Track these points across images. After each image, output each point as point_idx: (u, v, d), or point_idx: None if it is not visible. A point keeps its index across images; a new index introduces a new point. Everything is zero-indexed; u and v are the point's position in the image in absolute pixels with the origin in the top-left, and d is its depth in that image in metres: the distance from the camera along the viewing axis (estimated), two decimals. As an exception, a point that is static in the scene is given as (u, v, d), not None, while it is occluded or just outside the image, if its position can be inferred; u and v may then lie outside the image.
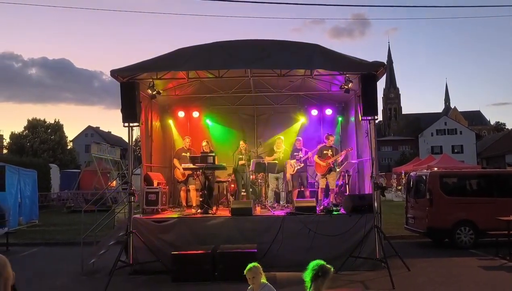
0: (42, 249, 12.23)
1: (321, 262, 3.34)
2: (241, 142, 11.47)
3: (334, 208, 9.51)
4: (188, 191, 10.82)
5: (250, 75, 10.34)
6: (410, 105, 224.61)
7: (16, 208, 15.72)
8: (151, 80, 9.58)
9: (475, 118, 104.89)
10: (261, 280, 4.00)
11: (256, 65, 8.76)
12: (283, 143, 11.32)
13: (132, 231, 8.39)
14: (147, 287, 7.64)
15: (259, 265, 4.08)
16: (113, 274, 7.59)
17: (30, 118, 51.61)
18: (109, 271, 7.74)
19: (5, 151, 49.69)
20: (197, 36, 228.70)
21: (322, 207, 9.89)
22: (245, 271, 4.03)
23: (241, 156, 11.23)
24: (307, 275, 3.32)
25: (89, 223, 9.96)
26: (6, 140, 52.17)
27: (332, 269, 3.33)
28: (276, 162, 10.58)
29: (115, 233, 9.30)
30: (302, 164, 10.90)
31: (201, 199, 10.05)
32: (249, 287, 4.05)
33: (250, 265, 4.05)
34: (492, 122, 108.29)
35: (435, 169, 22.81)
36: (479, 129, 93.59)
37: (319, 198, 10.58)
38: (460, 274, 8.04)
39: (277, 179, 10.87)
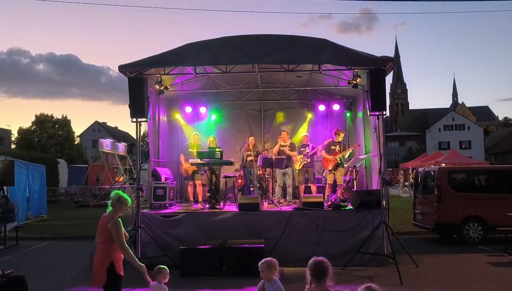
0: (51, 243, 12.35)
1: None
2: (251, 138, 11.49)
3: (342, 204, 9.48)
4: (195, 186, 10.86)
5: (258, 70, 10.32)
6: (417, 101, 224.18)
7: (25, 203, 15.89)
8: (158, 75, 9.59)
9: (483, 113, 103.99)
10: (273, 276, 4.01)
11: (263, 60, 8.73)
12: (289, 137, 11.26)
13: (140, 226, 8.44)
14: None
15: (273, 260, 4.08)
16: (122, 268, 7.64)
17: (38, 114, 51.96)
18: (118, 265, 7.79)
19: (13, 146, 50.05)
20: (205, 31, 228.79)
21: (329, 202, 9.87)
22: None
23: (249, 152, 11.24)
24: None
25: (98, 217, 10.00)
26: (14, 135, 52.56)
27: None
28: (284, 157, 10.55)
29: (123, 228, 9.35)
30: (309, 159, 10.87)
31: (208, 194, 10.08)
32: (261, 281, 4.08)
33: (263, 260, 4.09)
34: (501, 117, 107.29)
35: (443, 164, 22.68)
36: (487, 125, 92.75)
37: (326, 194, 10.55)
38: (468, 270, 8.01)
39: (284, 174, 10.86)
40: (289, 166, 10.81)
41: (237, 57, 8.49)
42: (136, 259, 4.63)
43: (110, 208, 4.69)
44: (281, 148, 10.87)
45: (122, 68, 8.63)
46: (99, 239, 4.64)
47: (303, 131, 12.36)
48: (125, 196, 4.78)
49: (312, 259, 3.55)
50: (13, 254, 10.57)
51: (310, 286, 3.52)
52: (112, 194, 4.83)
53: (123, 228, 4.60)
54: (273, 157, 10.54)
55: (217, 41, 8.55)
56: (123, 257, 4.62)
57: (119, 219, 4.62)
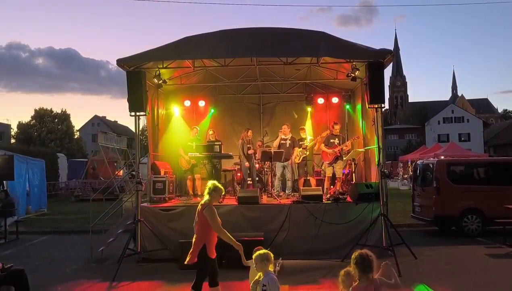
0: (51, 237, 12.39)
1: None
2: (249, 131, 11.46)
3: (341, 196, 9.51)
4: (194, 179, 10.88)
5: (256, 64, 10.30)
6: (417, 93, 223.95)
7: (25, 197, 15.91)
8: (157, 69, 9.57)
9: (482, 106, 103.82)
10: (266, 268, 4.05)
11: (262, 53, 8.70)
12: (290, 131, 11.23)
13: (140, 220, 8.46)
14: (155, 274, 7.72)
15: (266, 253, 4.11)
16: (122, 262, 7.69)
17: (37, 108, 51.93)
18: (118, 258, 7.85)
19: (13, 141, 50.02)
20: (203, 25, 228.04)
21: (328, 195, 9.90)
22: None
23: (248, 145, 11.23)
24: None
25: (97, 211, 10.05)
26: (14, 130, 52.51)
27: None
28: (283, 150, 10.56)
29: (123, 222, 9.39)
30: (308, 153, 10.89)
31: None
32: (258, 273, 4.11)
33: (256, 253, 4.12)
34: (500, 110, 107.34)
35: (442, 157, 22.68)
36: (487, 117, 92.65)
37: (325, 187, 10.58)
38: (467, 262, 8.06)
39: (283, 167, 10.88)
40: (288, 159, 10.82)
41: (235, 50, 8.46)
42: (234, 239, 5.04)
43: (206, 197, 5.16)
44: (282, 141, 10.87)
45: (121, 62, 8.60)
46: (197, 224, 5.20)
47: (301, 124, 12.33)
48: (220, 185, 5.31)
49: (356, 253, 3.53)
50: (14, 248, 10.61)
51: (357, 282, 3.48)
52: (209, 183, 5.30)
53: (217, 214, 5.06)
54: (272, 150, 10.55)
55: (215, 35, 8.51)
56: (216, 242, 5.14)
57: (213, 206, 5.10)
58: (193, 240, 5.23)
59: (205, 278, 5.15)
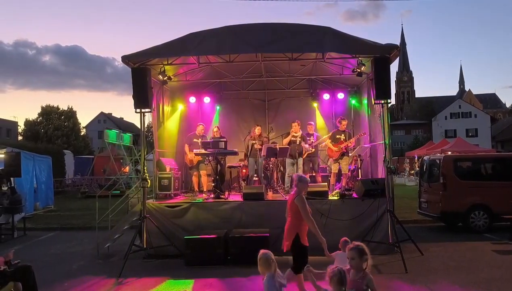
0: (58, 233, 12.47)
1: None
2: (258, 127, 11.45)
3: (347, 193, 9.47)
4: (200, 176, 10.90)
5: (261, 60, 10.26)
6: (423, 89, 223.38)
7: (32, 194, 16.02)
8: (162, 65, 9.56)
9: (490, 101, 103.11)
10: (269, 270, 4.04)
11: (267, 49, 8.65)
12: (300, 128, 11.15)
13: (146, 216, 8.49)
14: (161, 270, 7.75)
15: (267, 256, 4.10)
16: (128, 258, 7.71)
17: (44, 105, 52.16)
18: (124, 255, 7.88)
19: (20, 138, 50.36)
20: (208, 20, 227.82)
21: (334, 191, 9.86)
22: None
23: (254, 141, 11.20)
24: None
25: (104, 208, 10.09)
26: (21, 127, 52.86)
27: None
28: (288, 147, 10.52)
29: (129, 218, 9.43)
30: (313, 149, 10.84)
31: (213, 184, 10.10)
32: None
33: (261, 253, 4.13)
34: (508, 105, 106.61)
35: (449, 152, 22.52)
36: (494, 113, 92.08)
37: (331, 183, 10.54)
38: (474, 258, 7.99)
39: (293, 164, 10.83)
40: (300, 156, 10.76)
41: (240, 46, 8.42)
42: (319, 232, 5.23)
43: (294, 188, 5.51)
44: (292, 139, 10.81)
45: (125, 59, 8.59)
46: (289, 213, 5.46)
47: (307, 120, 12.29)
48: (304, 176, 5.71)
49: (351, 244, 3.93)
50: (21, 244, 10.69)
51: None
52: (293, 176, 5.74)
53: (307, 203, 5.31)
54: (277, 147, 10.51)
55: (220, 31, 8.47)
56: (307, 229, 5.33)
57: (304, 196, 5.38)
58: (286, 229, 5.48)
59: (305, 263, 5.13)
